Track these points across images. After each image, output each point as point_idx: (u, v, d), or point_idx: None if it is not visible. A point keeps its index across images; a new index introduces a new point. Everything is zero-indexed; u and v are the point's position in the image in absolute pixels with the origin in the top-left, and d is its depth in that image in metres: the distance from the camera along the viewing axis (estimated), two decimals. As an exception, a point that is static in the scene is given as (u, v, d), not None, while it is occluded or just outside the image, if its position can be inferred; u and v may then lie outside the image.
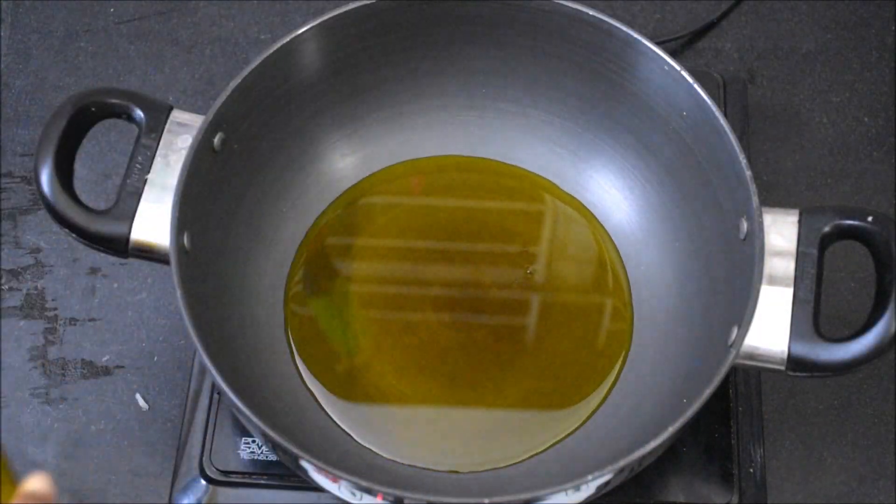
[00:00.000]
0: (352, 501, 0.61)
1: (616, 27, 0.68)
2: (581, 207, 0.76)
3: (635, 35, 0.68)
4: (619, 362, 0.71)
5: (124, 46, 0.89)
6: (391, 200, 0.76)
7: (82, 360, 0.76)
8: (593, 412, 0.69)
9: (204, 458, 0.69)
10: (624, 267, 0.74)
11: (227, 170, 0.68)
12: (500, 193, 0.76)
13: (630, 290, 0.73)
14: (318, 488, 0.62)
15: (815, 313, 0.61)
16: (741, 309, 0.61)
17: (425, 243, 0.74)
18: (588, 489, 0.59)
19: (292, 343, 0.71)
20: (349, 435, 0.68)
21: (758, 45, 0.88)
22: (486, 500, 0.56)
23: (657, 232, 0.73)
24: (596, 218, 0.75)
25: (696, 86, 0.66)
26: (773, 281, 0.61)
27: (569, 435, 0.68)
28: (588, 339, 0.72)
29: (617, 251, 0.74)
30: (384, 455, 0.67)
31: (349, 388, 0.70)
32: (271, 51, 0.68)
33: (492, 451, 0.68)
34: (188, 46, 0.89)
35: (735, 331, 0.61)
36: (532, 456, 0.68)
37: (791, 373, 0.61)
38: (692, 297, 0.70)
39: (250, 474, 0.68)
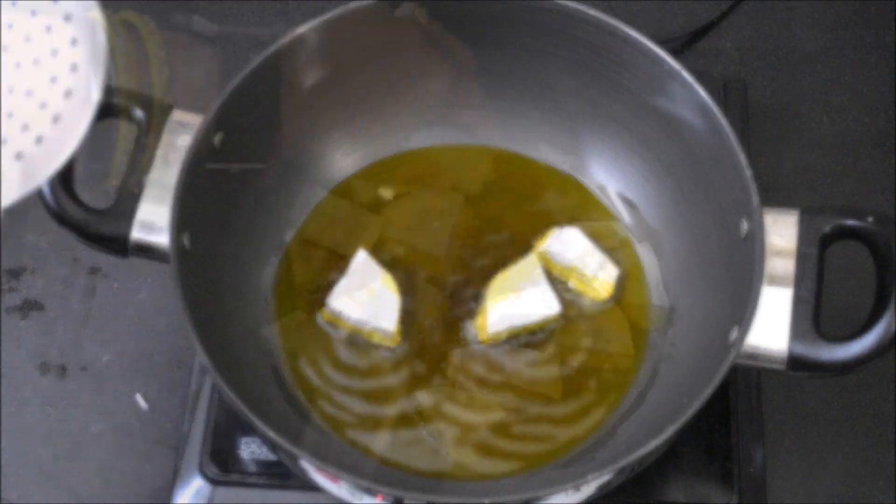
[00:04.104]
0: (352, 501, 0.61)
1: (617, 27, 0.68)
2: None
3: (636, 35, 0.68)
4: (636, 368, 0.69)
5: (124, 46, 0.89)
6: (391, 198, 0.76)
7: (82, 360, 0.76)
8: (604, 422, 0.68)
9: (204, 458, 0.69)
10: (642, 266, 0.73)
11: (227, 169, 0.68)
12: (503, 191, 0.76)
13: (649, 287, 0.72)
14: (318, 488, 0.62)
15: (815, 313, 0.61)
16: (741, 309, 0.61)
17: (427, 242, 0.74)
18: (588, 489, 0.59)
19: (292, 343, 0.71)
20: (348, 438, 0.68)
21: (758, 45, 0.88)
22: (486, 500, 0.56)
23: (657, 231, 0.73)
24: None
25: (696, 86, 0.66)
26: (774, 281, 0.61)
27: (577, 445, 0.68)
28: (605, 341, 0.71)
29: (633, 250, 0.74)
30: (378, 460, 0.67)
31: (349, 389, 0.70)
32: (271, 51, 0.68)
33: (494, 461, 0.67)
34: (189, 46, 0.89)
35: (735, 331, 0.61)
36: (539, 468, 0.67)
37: (791, 372, 0.61)
38: (692, 297, 0.70)
39: (250, 474, 0.68)
